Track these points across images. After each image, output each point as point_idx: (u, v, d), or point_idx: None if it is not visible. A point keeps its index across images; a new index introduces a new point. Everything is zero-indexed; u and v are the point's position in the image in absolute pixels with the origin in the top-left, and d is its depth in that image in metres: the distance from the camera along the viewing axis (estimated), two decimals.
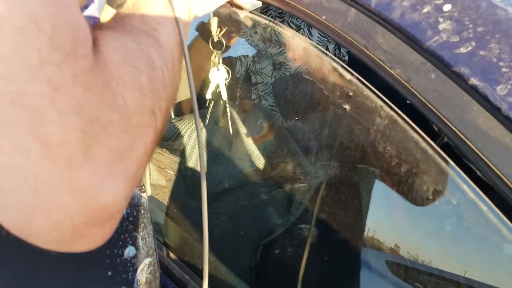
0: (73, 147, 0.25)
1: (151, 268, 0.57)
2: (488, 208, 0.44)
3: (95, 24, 0.40)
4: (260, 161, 1.08)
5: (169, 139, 1.12)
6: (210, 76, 0.75)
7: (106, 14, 0.74)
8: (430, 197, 0.50)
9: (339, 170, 0.81)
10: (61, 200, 0.26)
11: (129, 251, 0.52)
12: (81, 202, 0.26)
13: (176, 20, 0.42)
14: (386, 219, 0.79)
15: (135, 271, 0.52)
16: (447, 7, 0.46)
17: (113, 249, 0.49)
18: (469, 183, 0.45)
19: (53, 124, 0.25)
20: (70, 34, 0.27)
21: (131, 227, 0.52)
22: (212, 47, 0.72)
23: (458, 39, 0.45)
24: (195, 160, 1.10)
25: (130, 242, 0.52)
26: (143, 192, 0.56)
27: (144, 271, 0.55)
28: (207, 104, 0.91)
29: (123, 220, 0.50)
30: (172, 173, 1.14)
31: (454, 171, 0.47)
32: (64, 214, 0.26)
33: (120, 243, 0.50)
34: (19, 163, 0.24)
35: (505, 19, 0.44)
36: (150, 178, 1.15)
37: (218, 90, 0.77)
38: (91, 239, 0.29)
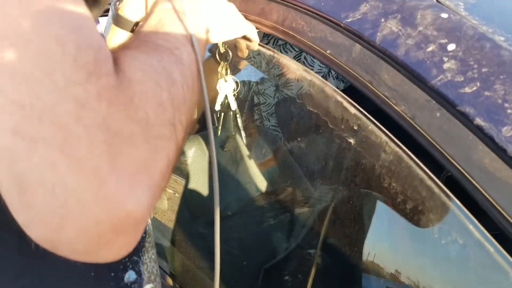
0: (99, 159, 0.27)
1: None
2: (493, 247, 0.44)
3: (120, 44, 0.41)
4: (262, 184, 1.08)
5: None
6: (218, 87, 0.74)
7: (112, 35, 0.76)
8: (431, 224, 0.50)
9: (342, 194, 0.81)
10: (89, 209, 0.26)
11: (129, 276, 0.51)
12: (107, 210, 0.27)
13: (193, 41, 0.44)
14: (387, 244, 0.79)
15: None
16: (451, 47, 0.47)
17: (116, 272, 0.49)
18: (472, 220, 0.45)
19: (80, 138, 0.26)
20: (92, 54, 0.28)
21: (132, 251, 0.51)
22: (219, 58, 0.72)
23: (462, 79, 0.45)
24: (199, 182, 1.09)
25: (130, 266, 0.51)
26: None
27: None
28: (217, 116, 0.88)
29: None
30: (171, 192, 1.14)
31: (457, 207, 0.47)
32: (91, 222, 0.27)
33: (121, 266, 0.50)
34: (49, 178, 0.25)
35: (509, 60, 0.44)
36: None
37: (226, 101, 0.77)
38: (116, 247, 0.30)
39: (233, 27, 0.63)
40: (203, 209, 1.08)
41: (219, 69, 0.73)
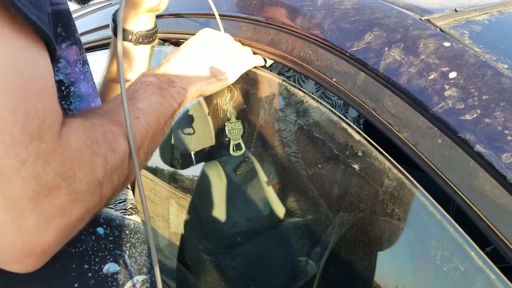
0: (26, 202, 0.35)
1: (146, 285, 0.63)
2: (496, 276, 0.43)
3: (78, 110, 0.52)
4: (280, 209, 1.08)
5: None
6: (227, 131, 0.81)
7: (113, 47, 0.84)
8: None
9: (361, 221, 0.80)
10: (9, 237, 0.35)
11: (109, 267, 0.58)
12: (23, 239, 0.36)
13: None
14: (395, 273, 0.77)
15: (120, 286, 0.59)
16: (452, 75, 0.48)
17: (89, 265, 0.56)
18: (474, 247, 0.45)
19: (16, 185, 0.34)
20: (37, 124, 0.36)
21: (111, 245, 0.59)
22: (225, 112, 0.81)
23: (463, 106, 0.45)
24: (209, 201, 1.11)
25: (111, 259, 0.59)
26: (129, 215, 0.63)
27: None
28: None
29: (100, 239, 0.57)
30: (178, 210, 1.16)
31: (462, 237, 0.46)
32: (9, 246, 0.36)
33: (97, 259, 0.57)
34: None
35: (510, 87, 0.44)
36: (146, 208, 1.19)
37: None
38: (26, 265, 0.38)
39: (239, 66, 0.72)
40: (217, 230, 1.09)
41: (228, 114, 0.81)
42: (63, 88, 0.52)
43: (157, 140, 0.57)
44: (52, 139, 0.37)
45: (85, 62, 0.55)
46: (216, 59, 0.69)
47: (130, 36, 0.80)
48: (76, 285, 0.54)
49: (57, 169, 0.37)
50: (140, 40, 0.81)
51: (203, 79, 0.67)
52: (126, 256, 0.61)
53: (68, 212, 0.39)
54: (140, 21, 0.80)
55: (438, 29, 0.54)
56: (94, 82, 0.57)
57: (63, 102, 0.52)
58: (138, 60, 0.85)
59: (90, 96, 0.56)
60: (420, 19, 0.56)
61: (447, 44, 0.51)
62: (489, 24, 0.57)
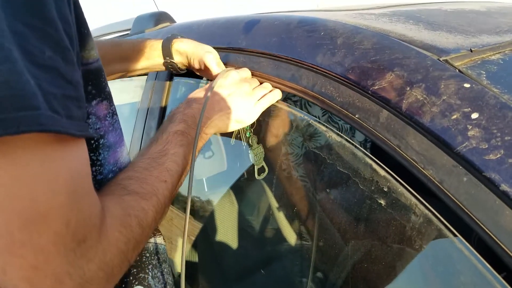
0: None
1: None
2: None
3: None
4: (291, 237, 1.09)
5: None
6: (250, 158, 0.84)
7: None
8: None
9: (371, 247, 0.82)
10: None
11: None
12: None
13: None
14: None
15: None
16: (475, 115, 0.50)
17: None
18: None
19: (66, 285, 0.39)
20: (84, 228, 0.40)
21: (135, 270, 0.63)
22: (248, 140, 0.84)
23: (487, 146, 0.48)
24: (226, 234, 1.12)
25: (137, 283, 0.62)
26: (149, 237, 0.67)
27: None
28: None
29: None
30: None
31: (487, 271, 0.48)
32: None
33: (123, 285, 0.61)
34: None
35: None
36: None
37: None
38: None
39: (259, 107, 0.78)
40: (228, 256, 1.10)
41: (250, 141, 0.85)
42: (92, 141, 0.54)
43: (176, 192, 0.62)
44: (95, 236, 0.42)
45: (113, 113, 0.57)
46: (239, 103, 0.74)
47: (167, 64, 0.88)
48: None
49: (99, 264, 0.42)
50: (170, 67, 0.87)
51: (225, 122, 0.71)
52: (150, 278, 0.64)
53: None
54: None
55: (457, 70, 0.56)
56: (121, 129, 0.59)
57: (91, 154, 0.54)
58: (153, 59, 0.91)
59: (117, 143, 0.58)
60: (439, 59, 0.59)
61: (467, 85, 0.53)
62: (504, 64, 0.60)
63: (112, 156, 0.56)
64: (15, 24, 0.35)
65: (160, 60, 0.88)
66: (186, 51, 0.85)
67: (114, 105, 0.56)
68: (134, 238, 0.48)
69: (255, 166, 0.87)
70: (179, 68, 0.89)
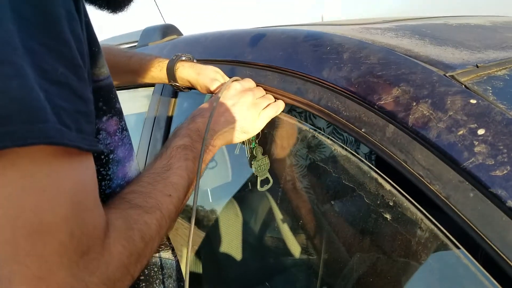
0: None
1: None
2: None
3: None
4: (296, 248, 1.09)
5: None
6: (254, 169, 0.84)
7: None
8: None
9: (377, 261, 0.81)
10: None
11: None
12: None
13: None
14: None
15: None
16: (481, 131, 0.50)
17: None
18: None
19: None
20: (87, 240, 0.40)
21: (143, 284, 0.63)
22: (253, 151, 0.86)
23: (493, 162, 0.48)
24: (230, 245, 1.12)
25: None
26: (156, 252, 0.68)
27: None
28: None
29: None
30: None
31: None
32: None
33: None
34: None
35: None
36: None
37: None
38: None
39: (264, 118, 0.78)
40: (231, 266, 1.10)
41: (254, 152, 0.86)
42: (102, 157, 0.54)
43: (183, 205, 0.62)
44: (98, 249, 0.42)
45: (123, 129, 0.58)
46: (244, 113, 0.75)
47: (173, 85, 0.89)
48: None
49: (101, 277, 0.42)
50: (173, 85, 0.88)
51: (232, 133, 0.72)
52: None
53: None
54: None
55: (463, 86, 0.57)
56: (131, 143, 0.60)
57: (101, 169, 0.55)
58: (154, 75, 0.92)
59: (125, 158, 0.59)
60: (445, 75, 0.59)
61: (473, 101, 0.54)
62: (510, 80, 0.61)
63: (121, 171, 0.56)
64: (30, 43, 0.36)
65: (166, 81, 0.90)
66: (190, 80, 0.86)
67: (124, 120, 0.57)
68: (136, 252, 0.48)
69: (258, 178, 0.88)
70: (184, 88, 0.91)
